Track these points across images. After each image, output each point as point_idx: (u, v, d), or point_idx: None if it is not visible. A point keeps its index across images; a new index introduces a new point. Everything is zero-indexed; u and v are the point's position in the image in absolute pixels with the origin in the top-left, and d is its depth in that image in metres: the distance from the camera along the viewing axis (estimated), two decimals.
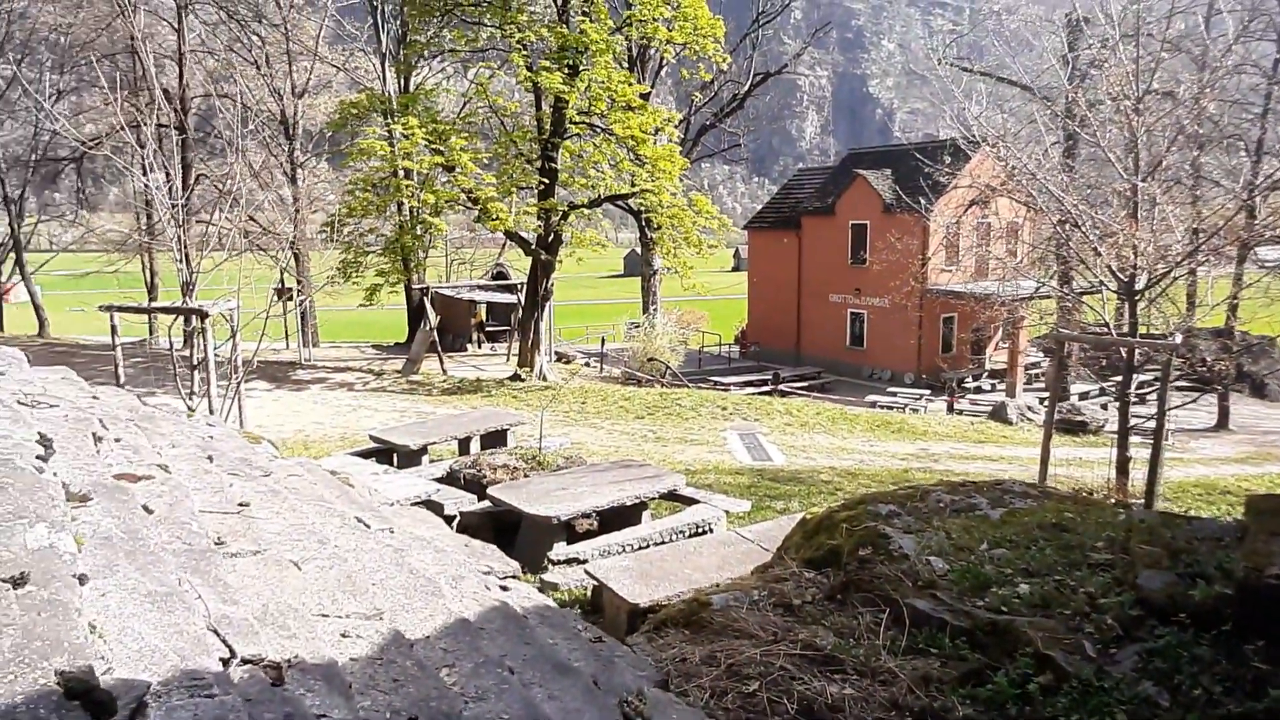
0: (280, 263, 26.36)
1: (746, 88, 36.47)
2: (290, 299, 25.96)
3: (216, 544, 2.41)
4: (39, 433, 2.39)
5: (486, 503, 8.97)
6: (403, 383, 21.42)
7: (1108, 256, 11.68)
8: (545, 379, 21.71)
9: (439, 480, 10.17)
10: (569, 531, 8.75)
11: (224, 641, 1.70)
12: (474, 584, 3.21)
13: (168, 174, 14.72)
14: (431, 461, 11.54)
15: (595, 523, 9.48)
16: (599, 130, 22.11)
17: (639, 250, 39.27)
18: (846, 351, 33.85)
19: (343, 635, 2.16)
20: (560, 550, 8.20)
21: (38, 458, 2.07)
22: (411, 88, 25.76)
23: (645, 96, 26.21)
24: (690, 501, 9.62)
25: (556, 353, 28.32)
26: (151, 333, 27.74)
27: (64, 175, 36.22)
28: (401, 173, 21.32)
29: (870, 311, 32.62)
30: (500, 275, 32.62)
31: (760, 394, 24.80)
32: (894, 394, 27.39)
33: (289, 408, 17.66)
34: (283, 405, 17.93)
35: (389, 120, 21.70)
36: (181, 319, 14.67)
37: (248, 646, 1.72)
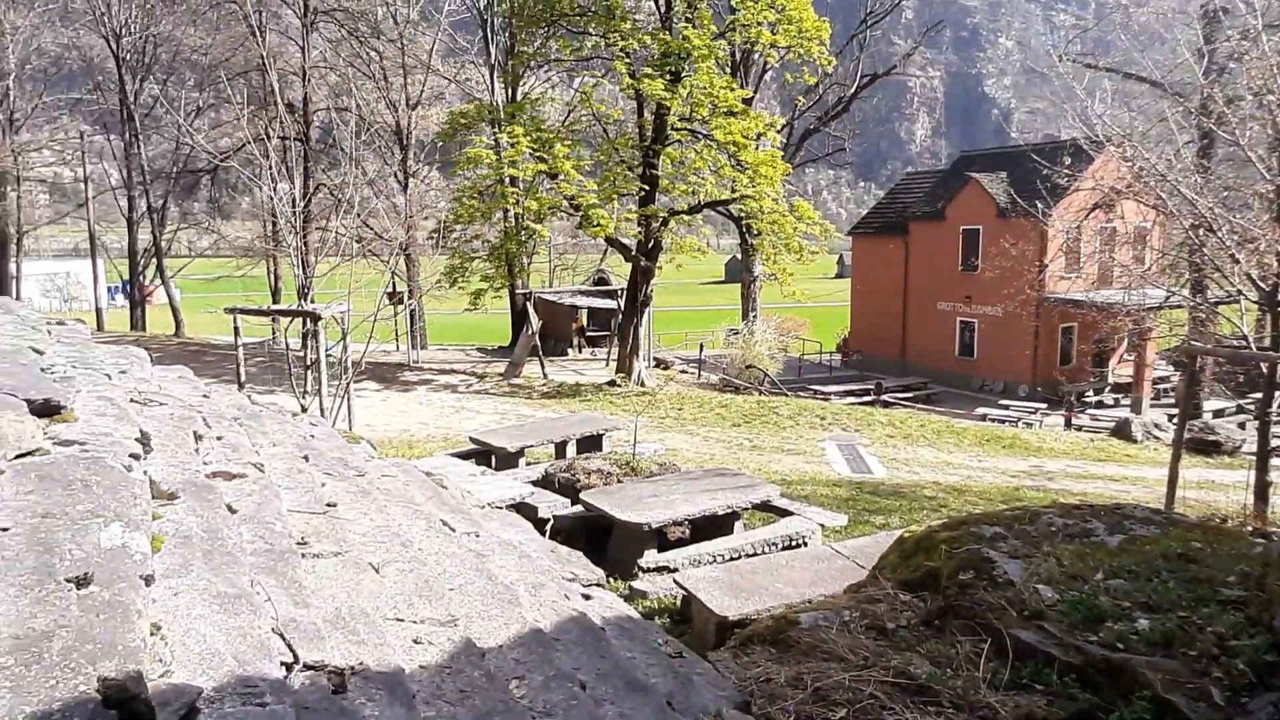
0: (391, 267, 27.43)
1: (853, 90, 35.68)
2: (400, 302, 26.97)
3: (299, 544, 2.47)
4: (141, 430, 2.50)
5: (580, 507, 9.02)
6: (504, 385, 21.90)
7: (1247, 264, 10.79)
8: (643, 384, 21.77)
9: (534, 483, 10.29)
10: (660, 539, 8.69)
11: (288, 646, 1.71)
12: (554, 592, 3.18)
13: (290, 184, 15.53)
14: (528, 464, 11.71)
15: (687, 531, 9.40)
16: (700, 136, 22.06)
17: (739, 257, 38.96)
18: (955, 361, 32.57)
19: (415, 642, 2.16)
20: (651, 557, 8.14)
21: (131, 455, 2.16)
22: (518, 97, 26.39)
23: (747, 101, 25.97)
24: (784, 513, 9.41)
25: (655, 358, 28.39)
26: (273, 334, 29.37)
27: (201, 186, 38.88)
28: (507, 180, 21.83)
29: (981, 320, 31.29)
30: (601, 281, 32.99)
31: (862, 404, 24.14)
32: (1006, 407, 26.15)
33: (396, 408, 18.31)
34: (390, 405, 18.61)
35: (496, 129, 22.27)
36: (298, 321, 15.45)
37: (312, 652, 1.73)
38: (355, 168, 18.02)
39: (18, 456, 1.95)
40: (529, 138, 20.66)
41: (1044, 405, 26.31)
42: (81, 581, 1.44)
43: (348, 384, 12.60)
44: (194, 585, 1.75)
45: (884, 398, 27.28)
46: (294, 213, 14.36)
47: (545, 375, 23.18)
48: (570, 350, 30.85)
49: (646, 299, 23.09)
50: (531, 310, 24.46)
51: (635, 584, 7.52)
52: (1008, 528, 5.06)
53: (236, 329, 12.52)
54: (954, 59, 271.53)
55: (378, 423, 16.52)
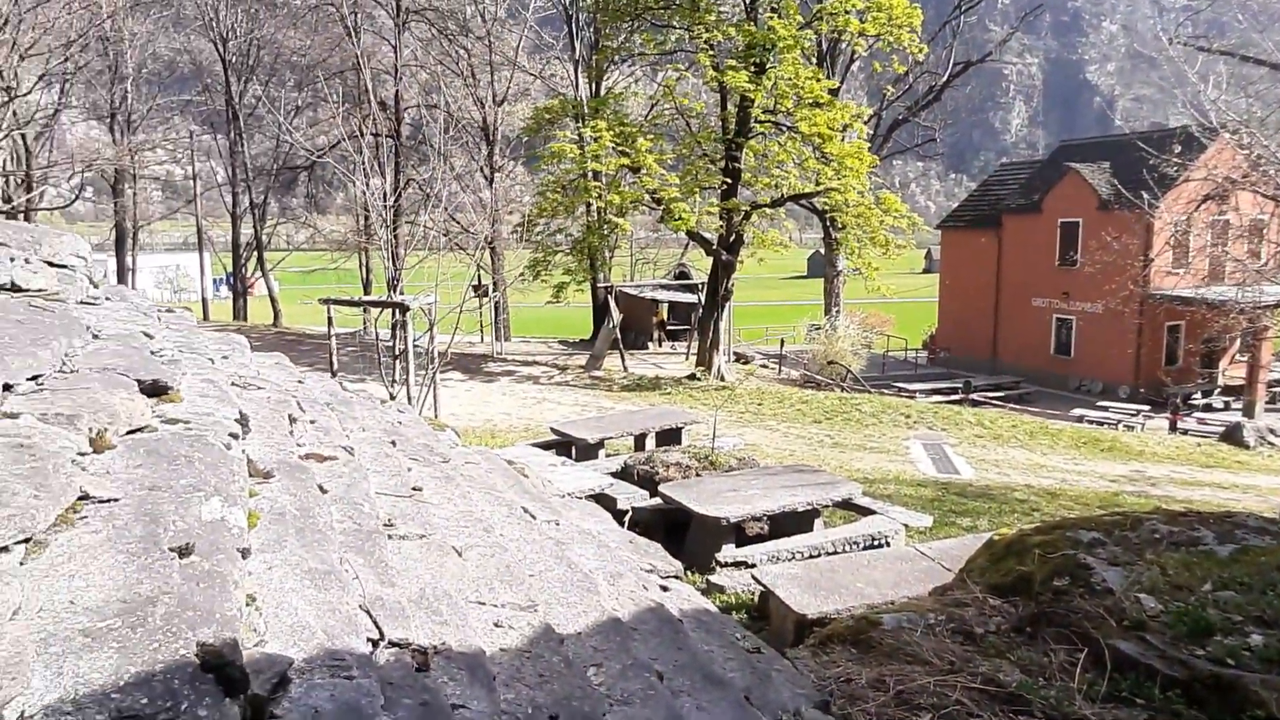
0: (476, 261, 28.04)
1: (945, 79, 34.58)
2: (485, 295, 27.56)
3: (385, 525, 2.53)
4: (240, 412, 2.62)
5: (658, 500, 9.03)
6: (585, 378, 22.12)
7: None
8: (723, 379, 21.65)
9: (613, 475, 10.36)
10: (738, 534, 8.63)
11: (374, 623, 1.76)
12: (632, 582, 3.18)
13: (382, 179, 16.04)
14: (608, 456, 11.79)
15: (766, 527, 9.30)
16: (784, 128, 21.74)
17: (822, 251, 38.30)
18: (1050, 360, 31.26)
19: (495, 625, 2.19)
20: (729, 552, 8.09)
21: (230, 435, 2.26)
22: (602, 92, 26.55)
23: (834, 92, 25.48)
24: (866, 512, 9.21)
25: (735, 353, 28.19)
26: (364, 325, 30.39)
27: (299, 182, 40.55)
28: (590, 174, 22.00)
29: (1080, 317, 29.93)
30: (682, 275, 32.93)
31: (949, 403, 23.42)
32: (1105, 408, 24.94)
33: (479, 398, 18.70)
34: (474, 395, 19.02)
35: (579, 124, 22.46)
36: (387, 312, 15.95)
37: (397, 630, 1.77)
38: (444, 163, 18.47)
39: (129, 432, 2.06)
40: (612, 132, 20.75)
41: (1146, 407, 24.99)
42: (183, 551, 1.51)
43: (434, 373, 12.92)
44: (287, 560, 1.82)
45: (973, 397, 26.40)
46: (385, 207, 14.82)
47: (625, 368, 23.30)
48: (650, 344, 30.90)
49: (727, 293, 22.93)
50: (613, 304, 24.61)
51: (713, 578, 7.48)
52: (1107, 533, 4.82)
53: (330, 319, 13.00)
54: (1053, 45, 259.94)
55: (462, 412, 16.90)
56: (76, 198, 34.66)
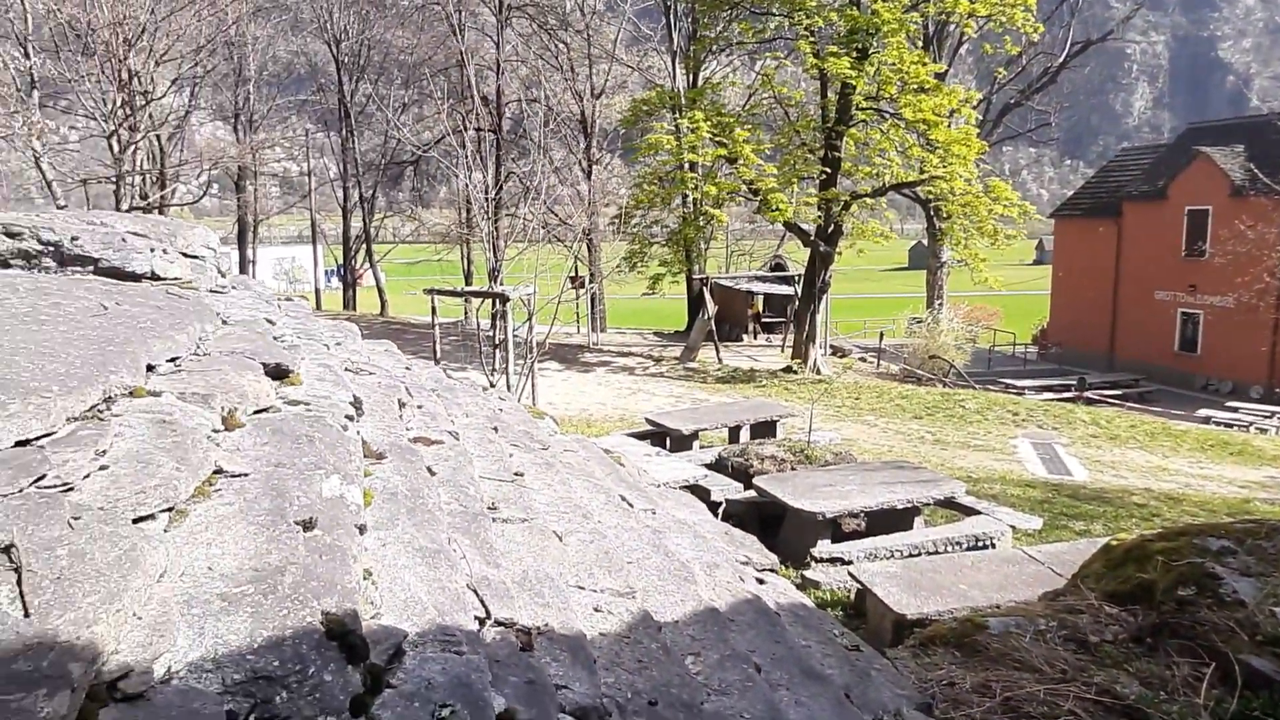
0: (574, 252, 28.41)
1: (1061, 60, 32.88)
2: (582, 286, 27.93)
3: (489, 509, 2.60)
4: (354, 395, 2.73)
5: (752, 492, 8.96)
6: (679, 369, 22.14)
7: None
8: (819, 372, 21.28)
9: (708, 466, 10.35)
10: (834, 529, 8.48)
11: (481, 602, 1.81)
12: (728, 574, 3.17)
13: (483, 173, 16.44)
14: (702, 447, 11.77)
15: (863, 523, 9.11)
16: (887, 115, 21.12)
17: (925, 242, 37.07)
18: (1174, 357, 29.40)
19: (595, 610, 2.22)
20: (824, 548, 7.96)
21: (346, 417, 2.37)
22: (699, 83, 26.41)
23: (940, 76, 24.60)
24: (970, 512, 8.89)
25: (831, 346, 27.67)
26: (466, 315, 31.27)
27: (405, 177, 42.02)
28: (686, 165, 21.94)
29: (1208, 312, 28.01)
30: (778, 267, 32.51)
31: (1061, 400, 22.32)
32: (1235, 409, 23.28)
33: (576, 388, 18.98)
34: (570, 385, 19.31)
35: (676, 115, 22.42)
36: (488, 302, 16.36)
37: (502, 609, 1.82)
38: (543, 156, 18.79)
39: (256, 412, 2.19)
40: (709, 123, 20.62)
41: None
42: (307, 525, 1.59)
43: (532, 363, 13.19)
44: (400, 538, 1.89)
45: (1087, 394, 25.08)
46: (486, 200, 15.20)
47: (720, 360, 23.20)
48: (745, 336, 30.66)
49: (824, 285, 22.50)
50: (708, 295, 24.52)
51: (808, 573, 7.37)
52: (1238, 542, 4.51)
53: (434, 309, 13.42)
54: (1181, 21, 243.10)
55: (559, 401, 17.19)
56: (204, 194, 36.91)
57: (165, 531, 1.46)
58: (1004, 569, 6.64)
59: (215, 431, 1.89)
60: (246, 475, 1.74)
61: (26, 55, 23.43)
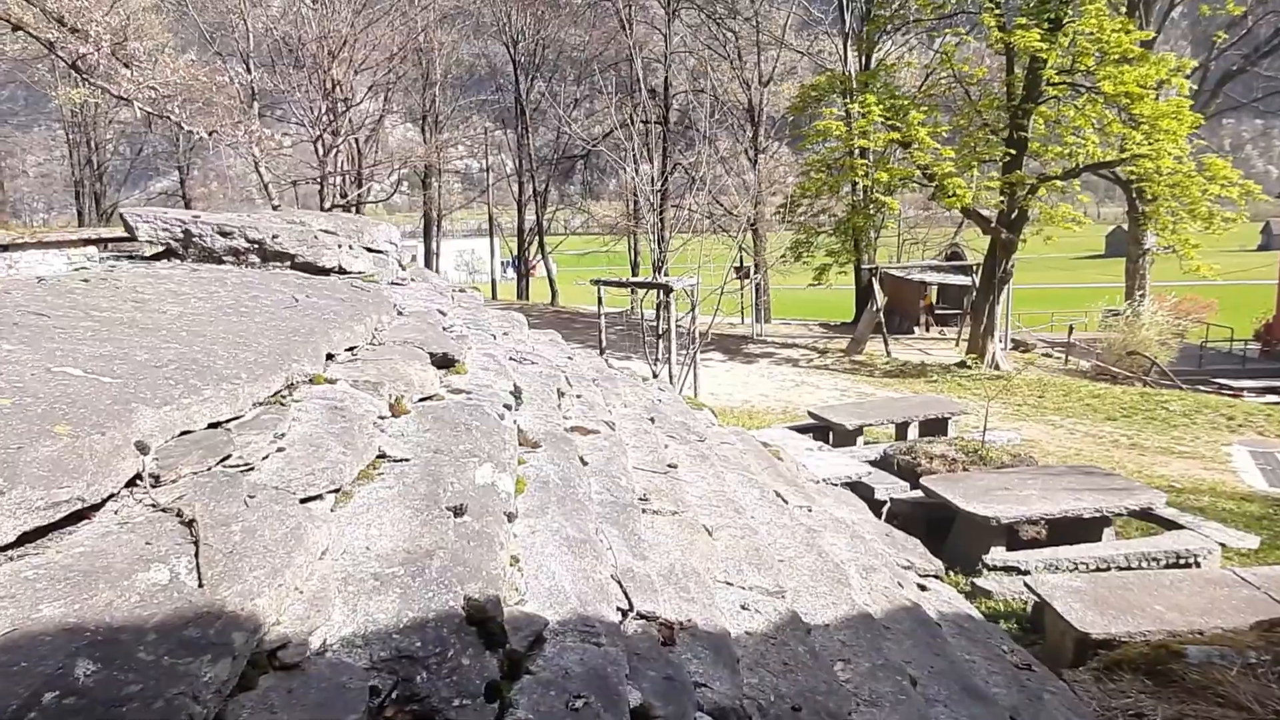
0: (739, 243, 28.24)
1: None
2: (747, 277, 27.74)
3: (640, 500, 2.62)
4: (514, 385, 2.84)
5: (918, 492, 8.58)
6: (845, 362, 21.51)
7: None
8: (997, 368, 19.98)
9: (872, 463, 10.02)
10: (1009, 536, 7.97)
11: (625, 593, 1.82)
12: (886, 578, 3.03)
13: (650, 165, 16.65)
14: (866, 443, 11.41)
15: (1043, 532, 8.51)
16: (1083, 90, 19.41)
17: (1125, 227, 33.84)
18: None
19: (742, 607, 2.18)
20: (998, 555, 7.50)
21: (504, 406, 2.46)
22: (872, 65, 25.42)
23: (1147, 44, 22.35)
24: (1170, 525, 8.09)
25: (1013, 340, 25.93)
26: (632, 305, 31.87)
27: (576, 170, 43.35)
28: (856, 152, 21.20)
29: None
30: (954, 255, 30.83)
31: None
32: None
33: (738, 379, 18.88)
34: (733, 376, 19.24)
35: (847, 100, 21.70)
36: (653, 292, 16.58)
37: (645, 602, 1.83)
38: (709, 146, 18.77)
39: (421, 399, 2.33)
40: (881, 106, 19.81)
41: None
42: (458, 511, 1.67)
43: (694, 353, 13.25)
44: (548, 526, 1.95)
45: None
46: (652, 191, 15.39)
47: (889, 354, 22.33)
48: (917, 329, 29.34)
49: (1006, 275, 21.07)
50: (877, 286, 23.65)
51: (978, 581, 6.97)
52: None
53: (599, 299, 13.76)
54: None
55: (721, 392, 17.17)
56: (394, 192, 39.76)
57: (331, 511, 1.58)
58: (1209, 591, 6.00)
59: (381, 418, 2.02)
60: (407, 460, 1.86)
61: (248, 70, 26.13)
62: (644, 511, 2.52)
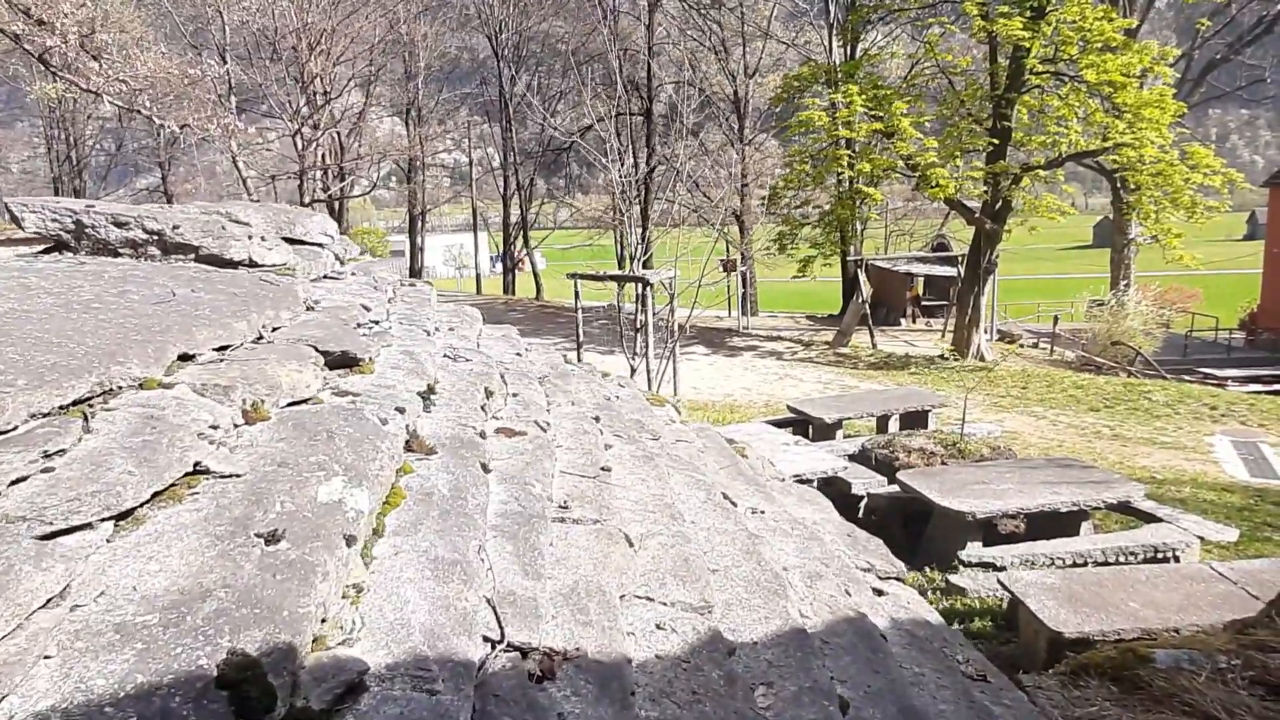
0: (723, 234, 28.03)
1: None
2: (733, 269, 27.56)
3: (560, 508, 2.43)
4: (429, 385, 2.65)
5: (896, 487, 8.43)
6: (829, 354, 21.37)
7: None
8: (982, 359, 19.86)
9: (851, 457, 9.86)
10: (988, 531, 7.83)
11: (498, 621, 1.63)
12: (833, 586, 2.85)
13: (632, 158, 16.41)
14: (846, 437, 11.26)
15: (1022, 527, 8.38)
16: (1066, 79, 19.27)
17: (1111, 218, 33.78)
18: None
19: (657, 627, 2.00)
20: (974, 551, 7.35)
21: (397, 409, 2.26)
22: (857, 55, 25.22)
23: (1131, 33, 22.24)
24: (1149, 518, 7.96)
25: (999, 331, 25.86)
26: (617, 299, 31.61)
27: (563, 164, 43.03)
28: (842, 143, 21.01)
29: None
30: (941, 247, 30.74)
31: (1271, 393, 19.70)
32: None
33: (721, 372, 18.71)
34: (716, 370, 19.07)
35: (830, 90, 21.51)
36: (633, 286, 16.36)
37: (523, 631, 1.64)
38: (692, 139, 18.56)
39: (291, 404, 2.13)
40: (863, 96, 19.61)
41: None
42: (271, 538, 1.45)
43: (673, 347, 13.08)
44: (416, 546, 1.75)
45: None
46: (632, 184, 15.18)
47: (874, 346, 22.19)
48: (904, 320, 29.25)
49: (990, 266, 20.94)
50: (862, 278, 23.51)
51: (953, 578, 6.82)
52: None
53: (576, 293, 13.57)
54: None
55: (703, 386, 17.01)
56: (374, 186, 39.36)
57: (107, 542, 1.36)
58: (1186, 587, 5.87)
59: (215, 427, 1.79)
60: (239, 476, 1.64)
61: (224, 62, 25.73)
62: (561, 521, 2.33)
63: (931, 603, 6.74)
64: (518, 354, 4.49)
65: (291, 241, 3.82)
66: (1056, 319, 25.86)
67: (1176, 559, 7.31)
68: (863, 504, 9.20)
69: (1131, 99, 17.74)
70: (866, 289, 23.57)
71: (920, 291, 30.07)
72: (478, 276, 40.81)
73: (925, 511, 7.89)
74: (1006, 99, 19.40)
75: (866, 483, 8.87)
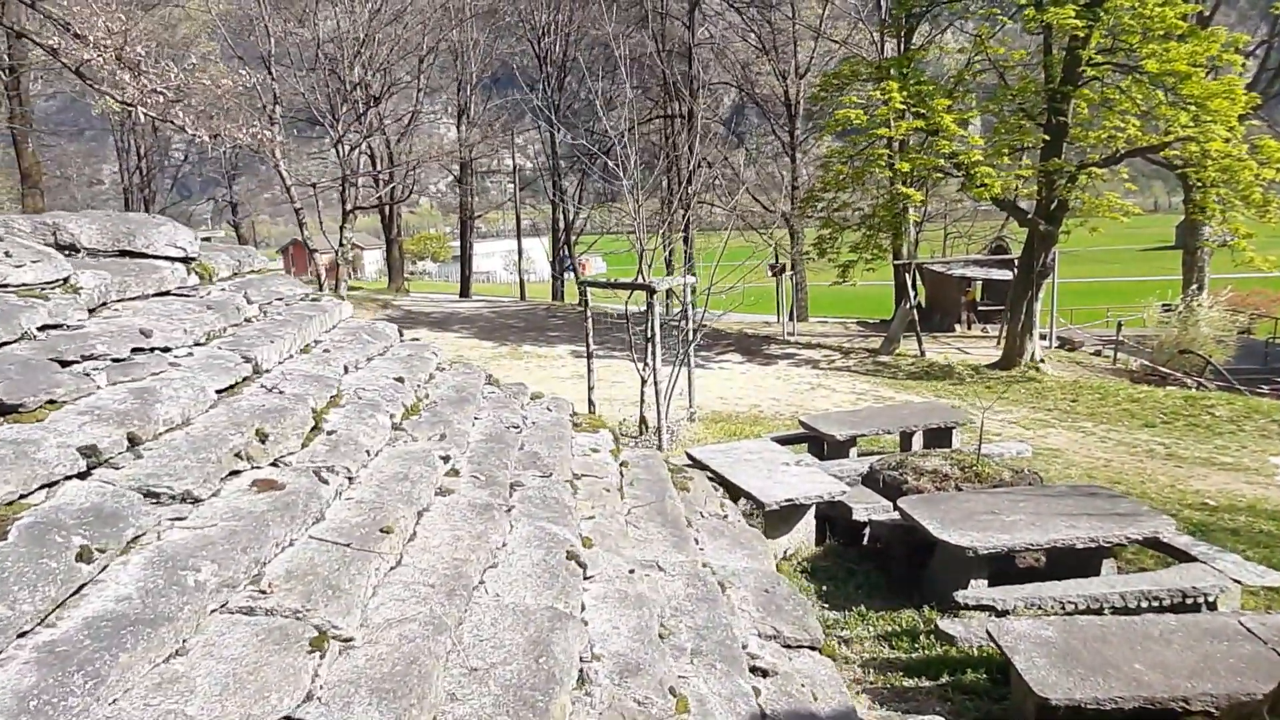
0: (773, 239, 27.27)
1: None
2: (781, 273, 26.79)
3: (260, 592, 1.94)
4: (127, 435, 2.20)
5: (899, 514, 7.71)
6: (868, 363, 20.42)
7: None
8: (1036, 367, 18.65)
9: (861, 478, 9.16)
10: (1004, 565, 7.05)
11: None
12: (646, 683, 2.28)
13: (675, 162, 15.90)
14: (861, 454, 10.52)
15: (1043, 560, 7.56)
16: (1127, 70, 17.99)
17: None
18: None
19: None
20: (975, 592, 6.57)
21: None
22: (910, 49, 24.16)
23: (1202, 20, 20.78)
24: (1184, 557, 7.06)
25: (1059, 338, 24.46)
26: (649, 305, 31.08)
27: (612, 168, 42.73)
28: (882, 142, 20.09)
29: None
30: (999, 249, 29.33)
31: None
32: None
33: (752, 382, 18.01)
34: (747, 379, 18.37)
35: (872, 87, 20.59)
36: (663, 291, 15.80)
37: None
38: (740, 142, 17.96)
39: None
40: (905, 92, 18.67)
41: None
42: None
43: (685, 355, 12.57)
44: None
45: None
46: (639, 188, 14.70)
47: (922, 353, 21.14)
48: (958, 326, 27.97)
49: (1045, 269, 19.70)
50: (909, 282, 22.48)
51: (944, 624, 6.07)
52: None
53: (585, 300, 13.17)
54: None
55: (731, 395, 16.38)
56: (409, 193, 39.68)
57: None
58: (1204, 645, 5.07)
59: None
60: None
61: (269, 73, 26.15)
62: (227, 612, 1.83)
63: (925, 648, 6.03)
64: (429, 377, 4.02)
65: (128, 254, 3.44)
66: (1120, 325, 24.30)
67: (1211, 605, 6.43)
68: (866, 531, 8.51)
69: (1198, 90, 16.41)
70: (913, 294, 22.55)
71: (977, 296, 28.73)
72: (521, 283, 40.85)
73: (931, 542, 7.16)
74: (1061, 93, 18.21)
75: (870, 508, 8.16)
